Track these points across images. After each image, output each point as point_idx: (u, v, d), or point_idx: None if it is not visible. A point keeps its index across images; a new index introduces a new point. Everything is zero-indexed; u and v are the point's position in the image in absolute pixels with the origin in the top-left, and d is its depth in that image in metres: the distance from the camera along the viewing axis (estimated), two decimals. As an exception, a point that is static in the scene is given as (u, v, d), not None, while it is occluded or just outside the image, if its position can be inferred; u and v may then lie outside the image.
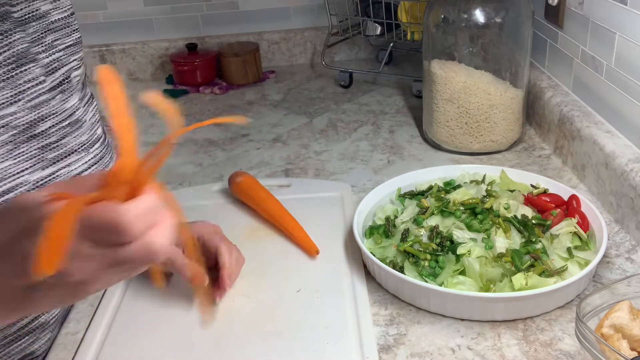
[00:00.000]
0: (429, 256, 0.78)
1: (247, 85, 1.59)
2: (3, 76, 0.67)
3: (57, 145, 0.71)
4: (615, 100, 0.96)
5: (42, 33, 0.73)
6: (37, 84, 0.70)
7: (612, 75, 0.95)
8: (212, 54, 1.61)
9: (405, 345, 0.71)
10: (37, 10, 0.73)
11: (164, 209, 0.46)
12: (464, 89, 1.09)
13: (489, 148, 1.13)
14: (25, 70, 0.69)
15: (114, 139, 0.81)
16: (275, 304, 0.79)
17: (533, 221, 0.83)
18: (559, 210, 0.86)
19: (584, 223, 0.84)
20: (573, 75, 1.10)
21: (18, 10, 0.71)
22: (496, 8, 1.06)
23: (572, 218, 0.83)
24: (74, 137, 0.74)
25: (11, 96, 0.68)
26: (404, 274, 0.76)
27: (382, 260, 0.79)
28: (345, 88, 1.52)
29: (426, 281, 0.75)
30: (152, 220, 0.45)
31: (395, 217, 0.88)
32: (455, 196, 0.88)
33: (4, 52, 0.67)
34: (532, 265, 0.76)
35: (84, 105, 0.77)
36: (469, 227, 0.82)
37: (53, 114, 0.72)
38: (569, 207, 0.87)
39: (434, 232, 0.82)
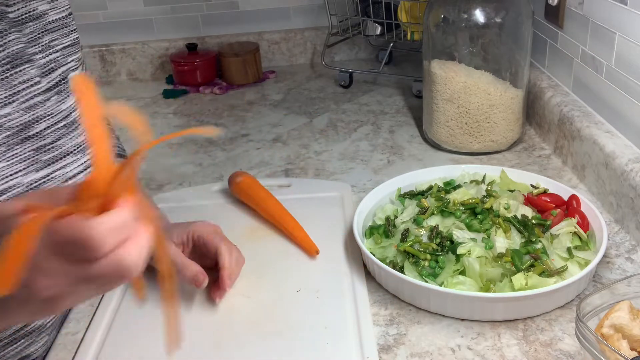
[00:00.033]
0: (429, 256, 0.78)
1: (247, 85, 1.59)
2: None
3: (52, 147, 0.71)
4: (615, 100, 0.96)
5: (39, 33, 0.73)
6: (32, 85, 0.70)
7: (612, 75, 0.95)
8: (212, 54, 1.61)
9: (405, 345, 0.71)
10: (34, 10, 0.73)
11: (139, 223, 0.44)
12: (464, 89, 1.09)
13: (489, 148, 1.13)
14: (21, 71, 0.69)
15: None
16: (275, 304, 0.79)
17: (533, 221, 0.83)
18: (559, 210, 0.86)
19: (584, 223, 0.84)
20: (573, 75, 1.10)
21: (14, 11, 0.71)
22: (496, 8, 1.06)
23: (572, 218, 0.83)
24: (70, 138, 0.73)
25: (5, 97, 0.67)
26: (404, 274, 0.76)
27: (382, 260, 0.79)
28: (345, 88, 1.52)
29: (426, 281, 0.75)
30: (124, 234, 0.43)
31: (395, 217, 0.88)
32: (455, 196, 0.88)
33: None
34: (532, 265, 0.76)
35: None
36: (469, 227, 0.82)
37: (48, 115, 0.71)
38: (569, 207, 0.87)
39: (434, 232, 0.81)
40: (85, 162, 0.74)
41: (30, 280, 0.42)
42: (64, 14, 0.78)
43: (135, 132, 0.43)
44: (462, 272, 0.76)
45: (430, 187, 0.93)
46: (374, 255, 0.80)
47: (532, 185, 0.93)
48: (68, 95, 0.74)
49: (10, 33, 0.69)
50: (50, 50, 0.74)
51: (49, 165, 0.70)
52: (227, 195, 1.04)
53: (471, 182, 0.94)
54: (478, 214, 0.84)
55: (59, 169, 0.71)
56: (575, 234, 0.82)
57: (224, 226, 0.83)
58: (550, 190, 0.91)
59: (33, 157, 0.68)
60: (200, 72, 1.58)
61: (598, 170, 0.95)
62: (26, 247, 0.40)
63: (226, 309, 0.78)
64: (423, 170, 0.98)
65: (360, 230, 0.85)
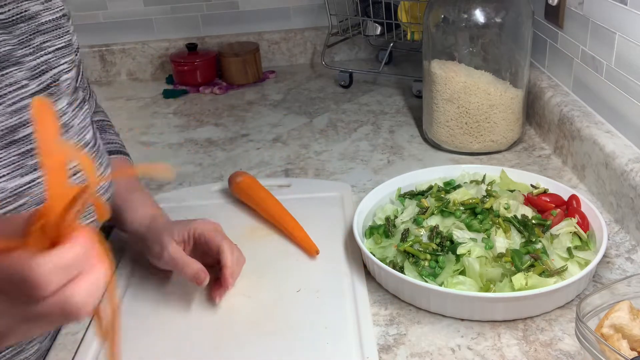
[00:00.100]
0: (429, 256, 0.78)
1: (247, 85, 1.59)
2: None
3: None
4: (615, 100, 0.96)
5: (30, 35, 0.71)
6: (18, 88, 0.68)
7: (612, 75, 0.95)
8: (212, 54, 1.61)
9: (405, 345, 0.71)
10: (26, 11, 0.71)
11: (90, 259, 0.42)
12: (464, 89, 1.09)
13: (489, 148, 1.13)
14: (7, 73, 0.67)
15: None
16: (275, 304, 0.79)
17: (533, 221, 0.83)
18: (559, 210, 0.86)
19: (584, 223, 0.84)
20: (573, 75, 1.10)
21: (5, 12, 0.69)
22: (496, 8, 1.06)
23: (572, 218, 0.83)
24: None
25: None
26: (404, 274, 0.76)
27: (382, 260, 0.79)
28: (345, 88, 1.52)
29: (426, 281, 0.75)
30: (73, 272, 0.41)
31: (395, 217, 0.88)
32: (455, 196, 0.88)
33: None
34: (532, 265, 0.76)
35: (73, 110, 0.75)
36: (469, 227, 0.82)
37: None
38: (569, 207, 0.87)
39: (434, 232, 0.81)
40: (73, 167, 0.73)
41: None
42: (57, 15, 0.76)
43: (83, 170, 0.41)
44: (462, 272, 0.76)
45: (430, 187, 0.93)
46: (374, 255, 0.80)
47: (532, 185, 0.93)
48: (59, 98, 0.73)
49: None
50: (42, 52, 0.72)
51: (34, 170, 0.67)
52: (227, 195, 1.04)
53: (471, 182, 0.94)
54: (478, 214, 0.84)
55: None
56: (575, 234, 0.82)
57: (224, 226, 0.83)
58: (550, 190, 0.91)
59: (18, 161, 0.66)
60: (200, 72, 1.58)
61: (598, 170, 0.95)
62: None
63: (226, 309, 0.78)
64: (423, 170, 0.98)
65: (360, 230, 0.85)
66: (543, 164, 1.10)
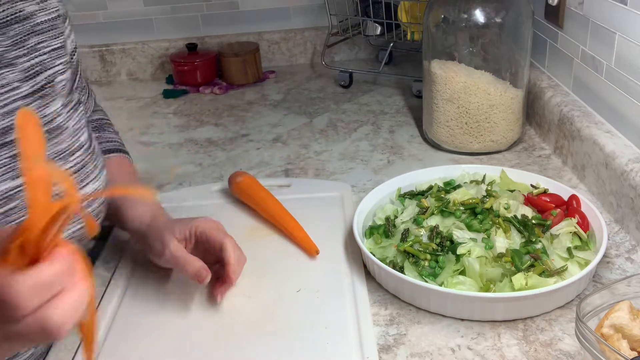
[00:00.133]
0: (429, 256, 0.78)
1: (247, 85, 1.59)
2: None
3: None
4: (615, 100, 0.96)
5: (24, 36, 0.70)
6: (10, 90, 0.67)
7: (612, 75, 0.95)
8: (212, 54, 1.61)
9: (405, 345, 0.71)
10: (20, 11, 0.70)
11: (71, 276, 0.41)
12: (464, 89, 1.09)
13: (489, 148, 1.13)
14: None
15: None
16: (275, 304, 0.79)
17: (533, 221, 0.83)
18: (559, 210, 0.86)
19: (584, 223, 0.84)
20: (573, 75, 1.10)
21: None
22: (496, 8, 1.06)
23: (572, 218, 0.83)
24: (52, 145, 0.70)
25: None
26: (404, 274, 0.76)
27: (382, 260, 0.79)
28: (345, 88, 1.52)
29: (426, 281, 0.75)
30: (53, 290, 0.40)
31: (395, 217, 0.88)
32: (455, 196, 0.88)
33: None
34: (532, 265, 0.76)
35: (68, 112, 0.74)
36: (469, 227, 0.82)
37: None
38: (569, 207, 0.87)
39: (434, 232, 0.81)
40: (67, 169, 0.72)
41: None
42: (53, 16, 0.75)
43: (64, 190, 0.40)
44: (462, 272, 0.76)
45: (430, 187, 0.93)
46: (374, 255, 0.80)
47: (532, 185, 0.93)
48: (53, 100, 0.72)
49: None
50: (36, 53, 0.71)
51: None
52: (227, 195, 1.04)
53: (471, 182, 0.94)
54: (478, 214, 0.84)
55: None
56: (575, 234, 0.82)
57: (224, 226, 0.83)
58: (550, 190, 0.91)
59: (9, 164, 0.66)
60: (200, 72, 1.58)
61: (598, 170, 0.95)
62: None
63: (226, 309, 0.78)
64: (423, 170, 0.98)
65: (360, 230, 0.85)
66: (543, 164, 1.10)
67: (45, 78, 0.72)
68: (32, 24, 0.71)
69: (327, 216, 0.96)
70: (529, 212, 0.85)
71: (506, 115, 1.10)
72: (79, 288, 0.42)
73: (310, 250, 0.87)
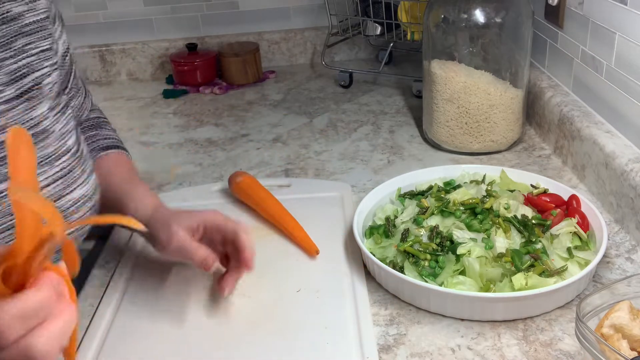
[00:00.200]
0: (429, 256, 0.78)
1: (247, 85, 1.59)
2: None
3: None
4: (615, 100, 0.96)
5: (12, 37, 0.68)
6: None
7: (612, 75, 0.95)
8: (212, 54, 1.61)
9: (405, 345, 0.71)
10: (8, 12, 0.68)
11: (56, 303, 0.41)
12: (464, 89, 1.09)
13: (489, 148, 1.13)
14: None
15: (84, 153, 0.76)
16: (275, 304, 0.79)
17: (533, 221, 0.83)
18: (559, 210, 0.86)
19: (584, 223, 0.84)
20: (573, 75, 1.10)
21: None
22: (496, 8, 1.06)
23: (572, 218, 0.83)
24: (38, 149, 0.68)
25: None
26: (404, 274, 0.76)
27: (382, 260, 0.79)
28: (345, 88, 1.52)
29: (426, 281, 0.75)
30: (37, 319, 0.40)
31: (395, 217, 0.88)
32: (455, 196, 0.88)
33: None
34: (532, 265, 0.76)
35: (55, 115, 0.72)
36: (469, 227, 0.82)
37: (14, 124, 0.66)
38: (569, 207, 0.87)
39: (434, 232, 0.82)
40: (53, 174, 0.70)
41: None
42: (41, 17, 0.73)
43: (46, 219, 0.39)
44: (462, 272, 0.76)
45: (430, 187, 0.93)
46: (374, 255, 0.80)
47: (532, 185, 0.93)
48: (40, 102, 0.70)
49: None
50: (24, 55, 0.69)
51: (7, 179, 0.62)
52: (227, 195, 1.04)
53: (471, 182, 0.94)
54: (478, 214, 0.84)
55: None
56: (575, 234, 0.82)
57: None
58: (550, 190, 0.91)
59: None
60: (200, 72, 1.58)
61: (598, 170, 0.95)
62: None
63: (226, 309, 0.78)
64: (423, 170, 0.98)
65: (360, 230, 0.85)
66: (543, 164, 1.10)
67: (32, 80, 0.70)
68: (20, 25, 0.70)
69: (327, 216, 0.96)
70: (529, 212, 0.85)
71: (506, 115, 1.10)
72: (64, 315, 0.41)
73: (310, 250, 0.87)
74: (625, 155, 0.89)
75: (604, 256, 0.80)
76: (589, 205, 0.85)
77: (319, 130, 1.30)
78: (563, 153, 1.08)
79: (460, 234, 0.80)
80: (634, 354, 0.60)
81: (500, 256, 0.77)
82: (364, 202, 0.90)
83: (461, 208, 0.85)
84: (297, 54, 1.72)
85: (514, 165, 1.08)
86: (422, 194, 0.92)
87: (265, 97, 1.51)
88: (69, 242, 0.44)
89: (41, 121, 0.70)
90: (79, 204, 0.72)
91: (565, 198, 0.89)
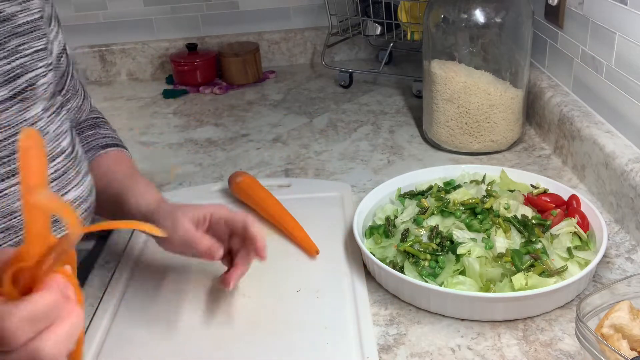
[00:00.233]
0: (429, 256, 0.78)
1: (247, 85, 1.59)
2: None
3: (9, 160, 0.65)
4: (615, 100, 0.96)
5: (4, 38, 0.67)
6: None
7: (612, 75, 0.95)
8: (212, 54, 1.61)
9: (405, 345, 0.71)
10: (0, 13, 0.67)
11: (64, 306, 0.41)
12: (464, 89, 1.09)
13: (489, 148, 1.13)
14: None
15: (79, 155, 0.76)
16: (275, 304, 0.79)
17: (533, 221, 0.83)
18: (559, 210, 0.86)
19: (584, 223, 0.84)
20: (573, 75, 1.10)
21: None
22: (496, 8, 1.06)
23: (572, 218, 0.83)
24: None
25: None
26: (404, 274, 0.76)
27: (382, 260, 0.79)
28: (345, 88, 1.52)
29: (426, 281, 0.75)
30: (44, 322, 0.40)
31: (395, 217, 0.88)
32: (455, 196, 0.88)
33: None
34: (532, 265, 0.76)
35: (49, 116, 0.71)
36: (469, 227, 0.82)
37: (6, 125, 0.66)
38: (569, 207, 0.87)
39: (434, 232, 0.82)
40: (48, 175, 0.67)
41: None
42: (35, 17, 0.71)
43: (65, 222, 0.39)
44: (462, 272, 0.76)
45: (430, 187, 0.94)
46: (374, 255, 0.80)
47: (532, 185, 0.93)
48: (34, 103, 0.69)
49: None
50: (17, 55, 0.68)
51: (4, 180, 0.64)
52: (227, 195, 1.04)
53: (471, 182, 0.94)
54: (478, 214, 0.84)
55: (15, 184, 0.65)
56: (575, 234, 0.82)
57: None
58: (550, 190, 0.91)
59: None
60: (200, 72, 1.58)
61: (598, 170, 0.95)
62: None
63: (226, 309, 0.78)
64: (423, 170, 0.98)
65: (360, 230, 0.85)
66: (543, 164, 1.10)
67: (26, 81, 0.69)
68: (13, 25, 0.68)
69: (327, 216, 0.96)
70: (529, 212, 0.85)
71: (506, 115, 1.10)
72: (71, 318, 0.42)
73: (310, 250, 0.87)
74: (625, 155, 0.89)
75: (604, 256, 0.80)
76: (589, 205, 0.85)
77: (319, 130, 1.30)
78: (563, 153, 1.08)
79: (460, 234, 0.80)
80: (634, 354, 0.60)
81: (500, 256, 0.77)
82: (364, 202, 0.90)
83: (461, 208, 0.85)
84: (297, 54, 1.72)
85: (514, 165, 1.08)
86: (422, 194, 0.92)
87: (265, 97, 1.51)
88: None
89: (35, 122, 0.69)
90: (73, 205, 0.71)
91: (565, 198, 0.89)
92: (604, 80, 0.98)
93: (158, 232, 0.44)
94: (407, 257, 0.79)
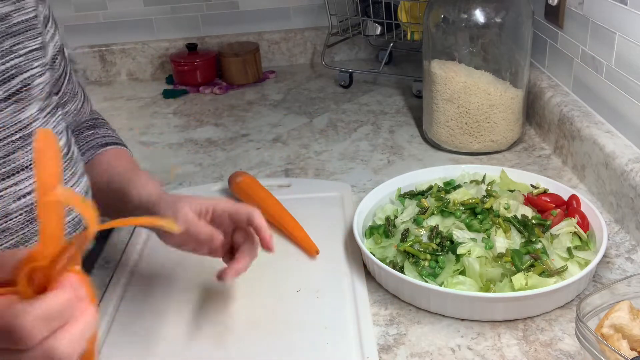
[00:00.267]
0: (429, 256, 0.78)
1: (247, 85, 1.59)
2: None
3: (4, 162, 0.65)
4: (615, 100, 0.96)
5: None
6: None
7: (612, 75, 0.95)
8: (212, 54, 1.61)
9: (405, 345, 0.71)
10: None
11: (77, 306, 0.41)
12: (464, 89, 1.09)
13: (489, 148, 1.13)
14: None
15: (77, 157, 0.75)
16: (275, 304, 0.79)
17: (533, 221, 0.83)
18: (559, 210, 0.86)
19: (584, 223, 0.84)
20: (573, 75, 1.10)
21: None
22: (496, 8, 1.06)
23: (572, 218, 0.83)
24: (26, 151, 0.66)
25: None
26: (404, 274, 0.76)
27: (382, 260, 0.79)
28: (345, 88, 1.52)
29: (426, 281, 0.75)
30: (59, 321, 0.40)
31: (395, 217, 0.88)
32: (455, 196, 0.88)
33: None
34: (532, 265, 0.76)
35: (45, 116, 0.70)
36: (469, 227, 0.82)
37: (0, 127, 0.65)
38: (569, 207, 0.87)
39: (434, 232, 0.82)
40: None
41: None
42: (30, 16, 0.70)
43: (84, 217, 0.40)
44: (462, 272, 0.76)
45: (430, 187, 0.94)
46: (374, 255, 0.80)
47: (532, 185, 0.93)
48: (29, 104, 0.68)
49: None
50: (12, 56, 0.67)
51: (1, 180, 0.64)
52: (227, 195, 1.04)
53: (471, 182, 0.94)
54: (478, 214, 0.84)
55: (11, 186, 0.65)
56: (575, 234, 0.82)
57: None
58: (550, 190, 0.91)
59: None
60: (200, 72, 1.58)
61: (598, 170, 0.95)
62: None
63: (226, 309, 0.78)
64: (423, 170, 0.98)
65: (360, 230, 0.85)
66: (543, 164, 1.10)
67: (21, 81, 0.68)
68: (7, 25, 0.67)
69: (327, 216, 0.96)
70: (529, 212, 0.85)
71: (506, 115, 1.10)
72: (85, 317, 0.42)
73: (310, 250, 0.87)
74: (625, 155, 0.89)
75: (604, 256, 0.80)
76: (589, 205, 0.85)
77: (319, 130, 1.30)
78: (563, 153, 1.08)
79: (460, 234, 0.80)
80: (634, 354, 0.60)
81: (500, 256, 0.77)
82: (364, 202, 0.90)
83: (461, 208, 0.85)
84: (297, 54, 1.72)
85: (514, 165, 1.08)
86: (422, 194, 0.92)
87: (265, 97, 1.51)
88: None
89: (30, 123, 0.68)
90: (70, 206, 0.70)
91: (565, 198, 0.89)
92: (604, 80, 0.98)
93: (174, 227, 0.44)
94: (407, 257, 0.79)
